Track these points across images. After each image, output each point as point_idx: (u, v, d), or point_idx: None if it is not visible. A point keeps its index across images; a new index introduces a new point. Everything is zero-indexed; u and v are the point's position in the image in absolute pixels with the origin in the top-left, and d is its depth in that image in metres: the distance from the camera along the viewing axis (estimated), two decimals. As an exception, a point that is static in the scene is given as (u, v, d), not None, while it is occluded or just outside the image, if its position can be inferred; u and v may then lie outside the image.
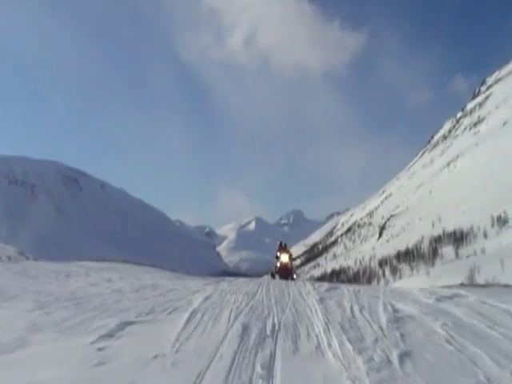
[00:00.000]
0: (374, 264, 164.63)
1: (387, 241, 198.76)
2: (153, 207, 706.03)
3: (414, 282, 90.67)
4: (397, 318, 9.18)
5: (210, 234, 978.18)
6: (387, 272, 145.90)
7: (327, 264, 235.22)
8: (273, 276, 13.52)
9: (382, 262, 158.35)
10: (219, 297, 11.39)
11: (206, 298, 11.04)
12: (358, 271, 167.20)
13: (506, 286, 30.54)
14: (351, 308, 10.16)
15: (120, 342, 7.27)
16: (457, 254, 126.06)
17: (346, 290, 12.89)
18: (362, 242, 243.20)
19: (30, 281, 13.98)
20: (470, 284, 27.73)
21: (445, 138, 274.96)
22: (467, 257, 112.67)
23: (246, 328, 8.02)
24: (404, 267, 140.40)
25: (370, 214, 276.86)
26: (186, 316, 9.01)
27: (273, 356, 6.57)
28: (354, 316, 9.41)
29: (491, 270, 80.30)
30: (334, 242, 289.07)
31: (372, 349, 7.12)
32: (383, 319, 9.04)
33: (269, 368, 6.04)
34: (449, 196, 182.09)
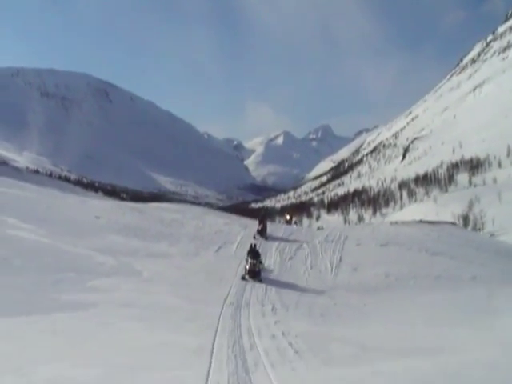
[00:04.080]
0: (394, 186, 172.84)
1: (409, 163, 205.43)
2: (181, 119, 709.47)
3: (419, 210, 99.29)
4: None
5: (238, 147, 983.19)
6: (404, 195, 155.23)
7: (351, 183, 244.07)
8: (243, 278, 15.90)
9: (402, 185, 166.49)
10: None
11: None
12: (379, 192, 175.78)
13: (453, 223, 39.70)
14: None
15: (221, 251, 18.03)
16: (470, 182, 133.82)
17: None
18: (386, 162, 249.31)
19: (163, 226, 24.38)
20: (426, 221, 37.06)
21: (473, 61, 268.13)
22: (475, 186, 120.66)
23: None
24: (420, 191, 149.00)
25: (396, 135, 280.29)
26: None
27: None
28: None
29: (490, 201, 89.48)
30: (360, 161, 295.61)
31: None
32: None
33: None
34: (471, 122, 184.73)
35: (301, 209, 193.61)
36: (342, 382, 6.40)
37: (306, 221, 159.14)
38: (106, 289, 11.38)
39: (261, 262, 17.16)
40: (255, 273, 16.28)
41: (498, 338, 9.32)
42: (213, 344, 8.06)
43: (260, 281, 15.84)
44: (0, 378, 5.31)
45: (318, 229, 34.16)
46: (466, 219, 78.53)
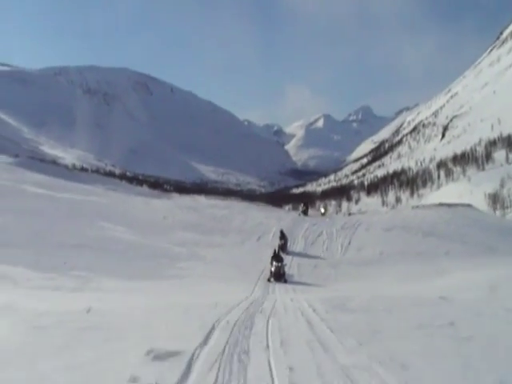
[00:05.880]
0: (433, 166, 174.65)
1: (448, 142, 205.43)
2: (221, 108, 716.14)
3: (454, 190, 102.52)
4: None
5: (278, 132, 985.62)
6: (442, 175, 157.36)
7: (391, 164, 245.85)
8: (268, 280, 17.27)
9: (440, 165, 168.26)
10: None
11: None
12: (417, 173, 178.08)
13: (469, 205, 44.45)
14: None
15: (261, 240, 24.63)
16: (507, 159, 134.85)
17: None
18: (425, 142, 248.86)
19: (215, 222, 31.38)
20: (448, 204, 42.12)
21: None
22: (510, 163, 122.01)
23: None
24: (457, 170, 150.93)
25: (435, 114, 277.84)
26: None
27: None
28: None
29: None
30: (400, 141, 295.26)
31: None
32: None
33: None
34: (511, 98, 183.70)
35: (341, 192, 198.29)
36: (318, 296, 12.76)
37: (344, 204, 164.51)
38: (188, 268, 18.20)
39: (284, 265, 18.33)
40: (280, 275, 17.69)
41: (430, 288, 15.30)
42: (253, 290, 14.78)
43: (285, 281, 17.39)
44: (159, 301, 11.84)
45: (350, 214, 40.91)
46: (494, 198, 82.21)
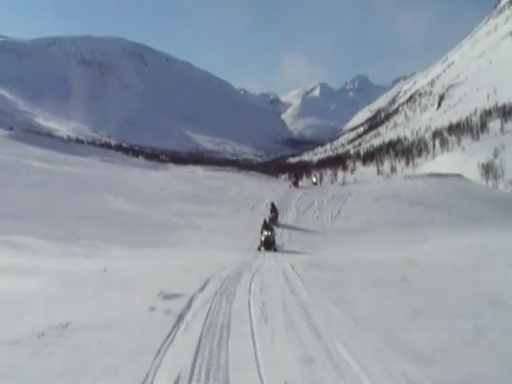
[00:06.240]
0: (428, 136, 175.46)
1: (444, 111, 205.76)
2: (217, 77, 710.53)
3: (449, 159, 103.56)
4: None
5: (275, 101, 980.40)
6: (437, 144, 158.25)
7: (387, 133, 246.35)
8: (258, 249, 17.93)
9: (436, 134, 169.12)
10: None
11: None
12: (413, 142, 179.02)
13: (459, 175, 45.72)
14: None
15: (254, 209, 25.81)
16: (502, 129, 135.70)
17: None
18: (421, 111, 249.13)
19: (212, 193, 32.65)
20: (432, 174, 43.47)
21: (511, 3, 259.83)
22: (504, 133, 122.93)
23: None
24: (452, 140, 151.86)
25: (432, 83, 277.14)
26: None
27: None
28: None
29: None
30: (396, 111, 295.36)
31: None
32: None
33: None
34: (507, 67, 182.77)
35: (337, 162, 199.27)
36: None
37: (340, 174, 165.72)
38: (186, 236, 19.45)
39: (275, 235, 18.97)
40: (270, 244, 18.23)
41: (407, 253, 16.58)
42: (245, 254, 16.12)
43: (275, 250, 17.91)
44: (162, 263, 13.13)
45: (343, 184, 42.40)
46: (487, 168, 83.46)
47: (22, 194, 21.90)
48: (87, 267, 10.78)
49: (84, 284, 8.70)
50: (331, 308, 6.89)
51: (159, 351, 5.06)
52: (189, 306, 7.16)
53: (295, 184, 36.22)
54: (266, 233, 18.54)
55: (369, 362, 4.70)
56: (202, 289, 8.43)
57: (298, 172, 53.35)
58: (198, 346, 5.24)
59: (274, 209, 24.99)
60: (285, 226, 24.00)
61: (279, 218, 24.97)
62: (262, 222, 20.12)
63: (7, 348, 5.13)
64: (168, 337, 5.56)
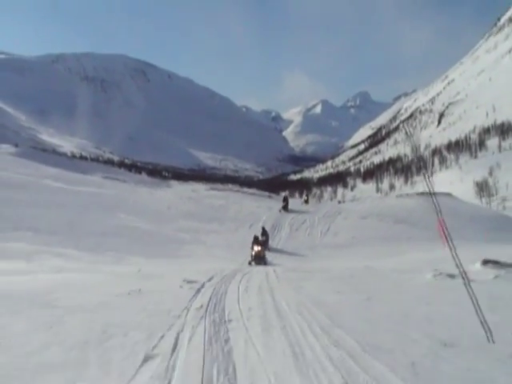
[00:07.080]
0: (428, 153, 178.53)
1: (444, 129, 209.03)
2: (219, 94, 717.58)
3: (446, 177, 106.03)
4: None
5: (276, 118, 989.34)
6: (436, 162, 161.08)
7: (387, 151, 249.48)
8: (249, 263, 18.95)
9: (435, 152, 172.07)
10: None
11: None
12: (412, 160, 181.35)
13: (448, 194, 48.48)
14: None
15: (252, 227, 28.70)
16: (499, 147, 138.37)
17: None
18: (422, 129, 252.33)
19: (213, 211, 35.89)
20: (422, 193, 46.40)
21: (511, 20, 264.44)
22: (501, 151, 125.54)
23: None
24: (451, 158, 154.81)
25: (432, 100, 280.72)
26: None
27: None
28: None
29: (510, 167, 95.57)
30: (397, 128, 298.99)
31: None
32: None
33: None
34: (507, 85, 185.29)
35: (338, 179, 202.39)
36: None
37: (340, 191, 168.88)
38: (192, 250, 22.54)
39: (265, 249, 20.48)
40: (260, 258, 19.31)
41: (379, 263, 19.47)
42: (241, 264, 19.16)
43: (265, 264, 18.83)
44: (178, 269, 16.11)
45: (339, 202, 45.00)
46: (481, 186, 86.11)
47: (48, 212, 24.95)
48: (124, 270, 14.07)
49: (128, 278, 12.33)
50: (288, 290, 10.33)
51: (190, 299, 9.22)
52: (202, 286, 11.10)
53: (285, 208, 34.49)
54: (256, 248, 19.94)
55: (294, 307, 8.25)
56: (209, 280, 12.15)
57: (288, 195, 53.02)
58: (210, 299, 9.12)
59: (264, 232, 25.76)
60: (275, 249, 25.47)
61: (272, 239, 26.70)
62: (253, 239, 21.97)
63: (116, 297, 9.42)
64: (193, 297, 9.54)
